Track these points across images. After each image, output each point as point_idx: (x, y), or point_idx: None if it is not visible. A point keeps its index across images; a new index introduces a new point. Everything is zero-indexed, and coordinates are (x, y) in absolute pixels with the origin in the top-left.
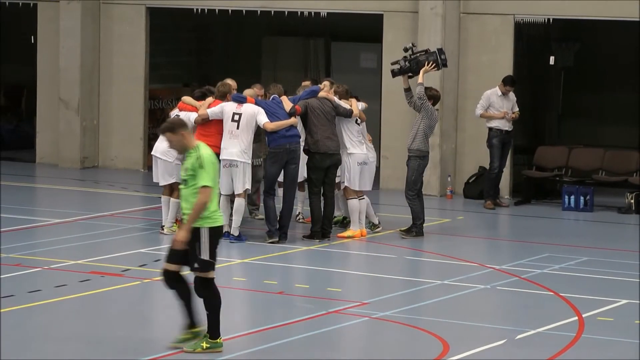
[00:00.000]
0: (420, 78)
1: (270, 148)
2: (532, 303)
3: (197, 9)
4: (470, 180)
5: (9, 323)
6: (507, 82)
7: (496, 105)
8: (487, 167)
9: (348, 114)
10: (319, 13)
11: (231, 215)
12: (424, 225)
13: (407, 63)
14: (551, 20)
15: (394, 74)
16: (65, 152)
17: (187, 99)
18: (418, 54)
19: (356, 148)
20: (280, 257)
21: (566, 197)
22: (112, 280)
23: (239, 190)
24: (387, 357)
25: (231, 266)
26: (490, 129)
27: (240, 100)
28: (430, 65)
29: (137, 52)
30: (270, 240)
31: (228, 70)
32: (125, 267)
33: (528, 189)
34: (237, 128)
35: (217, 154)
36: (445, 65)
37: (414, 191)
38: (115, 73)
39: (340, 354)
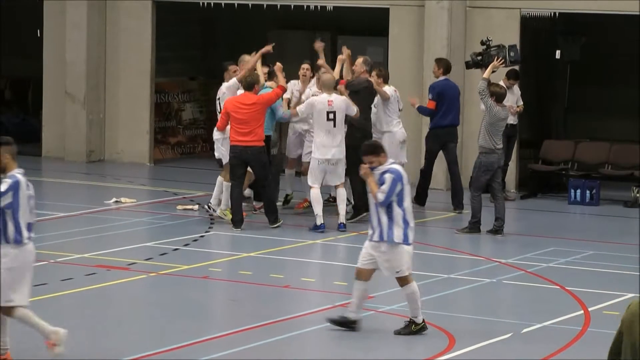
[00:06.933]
0: (485, 73)
1: (430, 127)
2: (538, 297)
3: (203, 3)
4: None
5: None
6: (511, 75)
7: None
8: None
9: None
10: (325, 7)
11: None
12: (503, 227)
13: (478, 56)
14: (557, 14)
15: (467, 66)
16: (71, 146)
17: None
18: (492, 48)
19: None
20: (286, 251)
21: (572, 190)
22: (118, 273)
23: (337, 182)
24: (393, 350)
25: (237, 259)
26: None
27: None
28: (499, 60)
29: (144, 46)
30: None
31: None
32: (131, 260)
33: (534, 182)
34: (334, 126)
35: (264, 146)
36: (513, 62)
37: (474, 188)
38: (122, 67)
39: (346, 348)
